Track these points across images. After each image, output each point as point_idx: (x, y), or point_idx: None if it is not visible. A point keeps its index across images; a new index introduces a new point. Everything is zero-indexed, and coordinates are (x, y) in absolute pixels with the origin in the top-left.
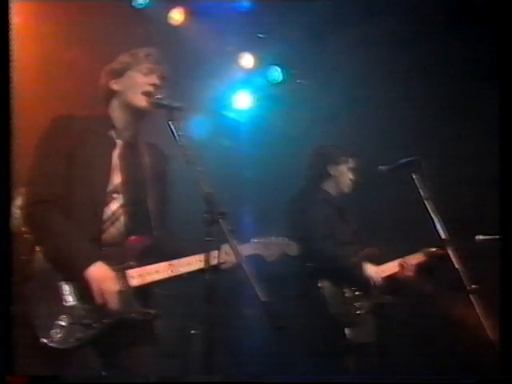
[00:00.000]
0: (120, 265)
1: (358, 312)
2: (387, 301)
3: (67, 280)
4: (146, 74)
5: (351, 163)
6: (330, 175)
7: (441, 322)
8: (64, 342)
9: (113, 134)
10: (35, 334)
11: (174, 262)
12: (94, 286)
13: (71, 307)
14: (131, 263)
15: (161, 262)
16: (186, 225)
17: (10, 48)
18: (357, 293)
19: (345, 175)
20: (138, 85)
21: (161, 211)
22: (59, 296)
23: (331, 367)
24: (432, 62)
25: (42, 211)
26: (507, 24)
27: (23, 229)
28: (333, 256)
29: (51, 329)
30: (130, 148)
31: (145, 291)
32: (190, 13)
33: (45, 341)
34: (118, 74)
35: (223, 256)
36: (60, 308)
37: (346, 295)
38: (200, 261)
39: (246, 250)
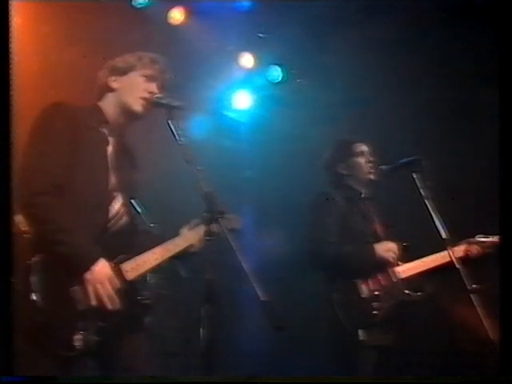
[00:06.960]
0: (116, 259)
1: (374, 312)
2: (408, 299)
3: (71, 279)
4: (148, 80)
5: (366, 147)
6: (349, 168)
7: (441, 321)
8: (82, 349)
9: (105, 130)
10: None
11: (166, 244)
12: (94, 289)
13: (84, 311)
14: (126, 256)
15: (152, 248)
16: (186, 224)
17: (10, 48)
18: (376, 293)
19: (363, 162)
20: (138, 88)
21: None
22: (71, 300)
23: (340, 368)
24: (432, 62)
25: (45, 203)
26: (507, 24)
27: (23, 228)
28: (348, 257)
29: (71, 339)
30: (122, 146)
31: (141, 281)
32: (190, 13)
33: (65, 353)
34: (120, 72)
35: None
36: (74, 313)
37: (363, 296)
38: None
39: None
